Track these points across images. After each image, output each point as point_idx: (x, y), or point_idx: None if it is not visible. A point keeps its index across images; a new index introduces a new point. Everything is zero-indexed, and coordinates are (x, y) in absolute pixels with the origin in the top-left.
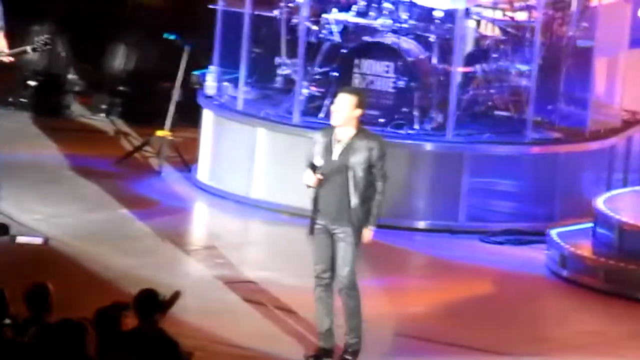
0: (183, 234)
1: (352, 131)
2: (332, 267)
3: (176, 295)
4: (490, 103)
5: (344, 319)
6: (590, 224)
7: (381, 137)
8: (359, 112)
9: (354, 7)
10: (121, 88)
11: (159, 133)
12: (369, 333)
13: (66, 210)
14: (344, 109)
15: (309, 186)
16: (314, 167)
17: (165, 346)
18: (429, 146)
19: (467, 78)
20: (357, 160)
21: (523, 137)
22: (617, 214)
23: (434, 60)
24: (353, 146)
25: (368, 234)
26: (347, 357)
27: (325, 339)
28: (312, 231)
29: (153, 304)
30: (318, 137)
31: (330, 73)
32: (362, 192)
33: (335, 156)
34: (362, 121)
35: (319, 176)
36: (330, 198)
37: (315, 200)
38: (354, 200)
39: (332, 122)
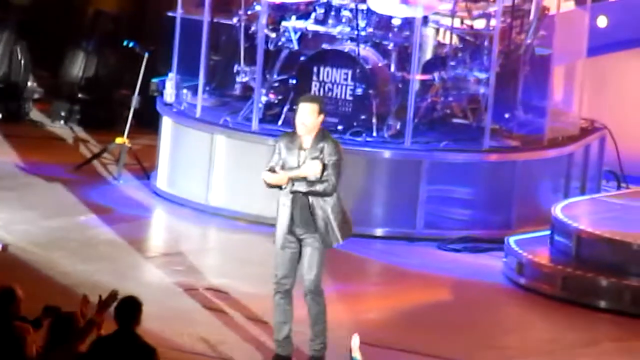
0: (141, 241)
1: (315, 137)
2: (293, 273)
3: (113, 295)
4: (448, 111)
5: (309, 324)
6: (548, 232)
7: (337, 143)
8: (321, 118)
9: (313, 15)
10: (80, 95)
11: (118, 140)
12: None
13: (24, 217)
14: (309, 118)
15: (273, 186)
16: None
17: (143, 353)
18: (387, 153)
19: (425, 86)
20: (316, 165)
21: (481, 144)
22: (574, 221)
23: (392, 68)
24: (313, 152)
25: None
26: None
27: (283, 347)
28: (282, 245)
29: (133, 311)
30: (281, 144)
31: (289, 80)
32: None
33: (301, 163)
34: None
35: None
36: (300, 206)
37: (284, 211)
38: (318, 209)
39: (299, 132)
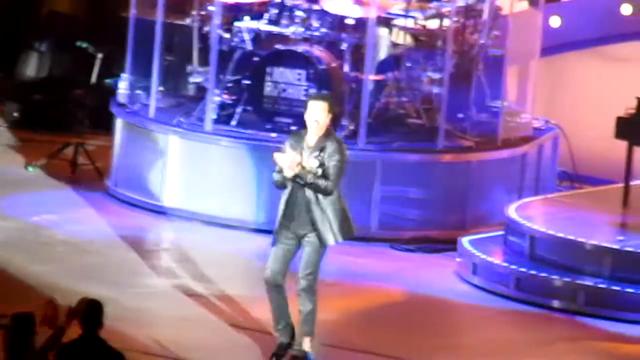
0: (97, 242)
1: (320, 136)
2: (284, 269)
3: (82, 303)
4: (402, 111)
5: (299, 322)
6: (502, 232)
7: (341, 142)
8: (330, 116)
9: (266, 15)
10: (34, 96)
11: (72, 141)
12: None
13: None
14: (321, 116)
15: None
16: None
17: (112, 358)
18: None
19: (379, 86)
20: (314, 162)
21: (435, 145)
22: (528, 222)
23: (346, 68)
24: (314, 150)
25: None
26: None
27: (283, 334)
28: (277, 241)
29: (96, 315)
30: (288, 144)
31: (243, 81)
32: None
33: (304, 162)
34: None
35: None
36: (299, 203)
37: (285, 209)
38: (315, 205)
39: (312, 130)
